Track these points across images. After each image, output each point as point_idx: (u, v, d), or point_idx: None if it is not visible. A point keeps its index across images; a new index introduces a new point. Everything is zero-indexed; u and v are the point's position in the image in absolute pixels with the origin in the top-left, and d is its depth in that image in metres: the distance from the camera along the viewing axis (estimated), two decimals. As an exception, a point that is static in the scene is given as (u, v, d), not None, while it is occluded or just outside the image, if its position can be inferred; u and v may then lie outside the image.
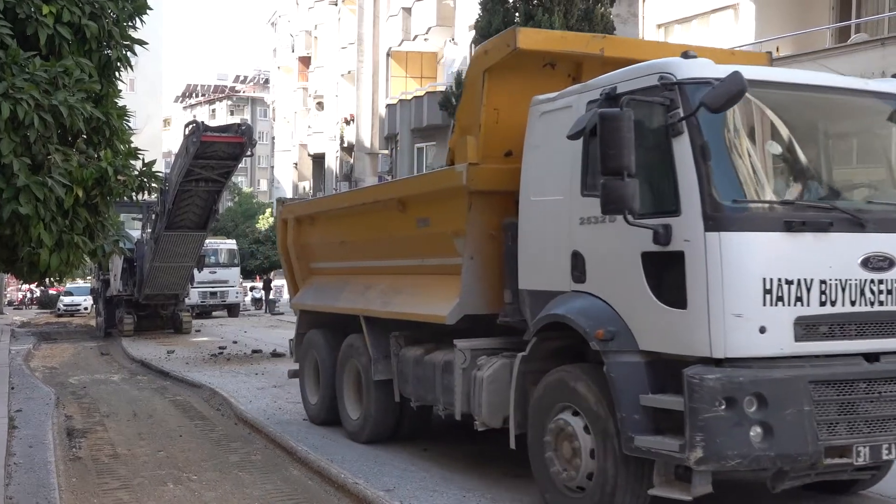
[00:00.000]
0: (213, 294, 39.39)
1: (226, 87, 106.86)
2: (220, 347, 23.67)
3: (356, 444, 10.89)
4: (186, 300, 35.79)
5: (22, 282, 13.55)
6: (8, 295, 39.90)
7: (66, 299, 48.13)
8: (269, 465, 10.52)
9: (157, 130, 78.00)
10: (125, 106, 8.56)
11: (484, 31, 24.46)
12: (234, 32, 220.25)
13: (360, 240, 11.18)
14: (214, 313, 40.72)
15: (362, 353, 10.64)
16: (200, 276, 35.94)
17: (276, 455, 10.96)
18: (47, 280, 8.32)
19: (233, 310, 41.07)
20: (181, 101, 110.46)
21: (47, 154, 6.99)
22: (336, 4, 47.59)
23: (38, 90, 6.69)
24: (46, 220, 7.01)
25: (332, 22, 48.84)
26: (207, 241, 38.64)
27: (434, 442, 10.85)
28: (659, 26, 23.43)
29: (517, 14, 24.14)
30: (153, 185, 8.47)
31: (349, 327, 11.19)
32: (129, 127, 8.53)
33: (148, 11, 8.67)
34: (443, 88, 30.54)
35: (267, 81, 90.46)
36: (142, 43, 8.38)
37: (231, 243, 42.98)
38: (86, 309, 45.40)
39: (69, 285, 54.99)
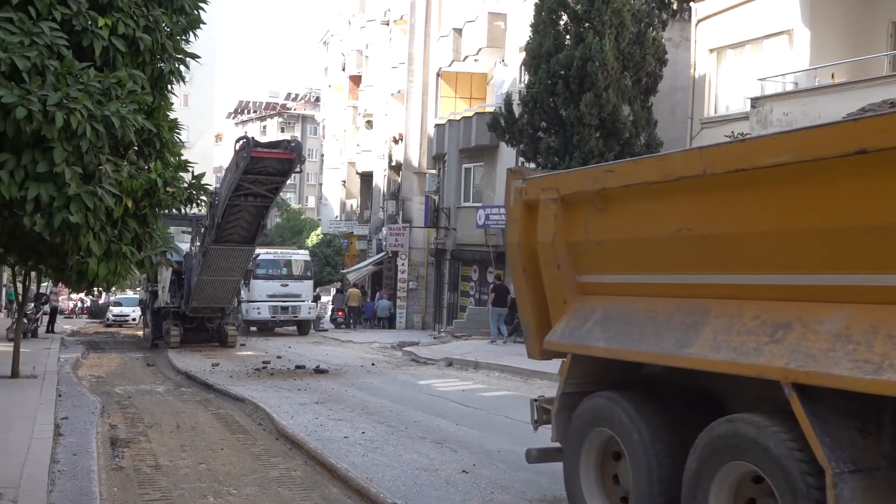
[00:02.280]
0: (284, 309, 35.61)
1: (277, 104, 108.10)
2: (263, 362, 23.74)
3: (396, 464, 10.79)
4: (256, 315, 34.94)
5: (71, 290, 13.70)
6: (59, 303, 39.98)
7: (115, 310, 48.89)
8: (308, 481, 10.45)
9: (208, 146, 79.07)
10: (176, 119, 8.62)
11: (535, 52, 24.50)
12: (286, 50, 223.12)
13: (768, 232, 5.78)
14: (278, 329, 37.23)
15: (797, 458, 5.24)
16: (271, 289, 34.67)
17: (317, 472, 10.89)
18: (95, 289, 8.34)
19: (303, 326, 36.79)
20: (233, 118, 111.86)
21: (98, 164, 7.03)
22: (388, 24, 47.88)
23: (91, 101, 6.73)
24: (96, 229, 7.05)
25: (384, 41, 49.14)
26: (278, 251, 38.44)
27: (478, 464, 10.74)
28: (711, 51, 23.20)
29: (568, 36, 24.13)
30: (202, 197, 8.49)
31: (716, 397, 6.52)
32: (179, 140, 8.57)
33: (201, 26, 8.72)
34: (492, 109, 30.52)
35: (318, 99, 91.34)
36: (195, 56, 8.44)
37: (304, 254, 39.61)
38: (134, 320, 45.95)
39: (118, 296, 55.91)
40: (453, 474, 10.25)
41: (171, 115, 8.64)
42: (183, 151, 8.76)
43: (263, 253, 35.76)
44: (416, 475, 10.21)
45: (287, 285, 35.55)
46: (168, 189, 7.65)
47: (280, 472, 10.96)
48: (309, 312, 36.62)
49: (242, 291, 34.58)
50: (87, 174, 6.95)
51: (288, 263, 36.35)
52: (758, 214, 5.84)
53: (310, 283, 37.07)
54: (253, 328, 36.11)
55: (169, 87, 8.26)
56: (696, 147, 6.77)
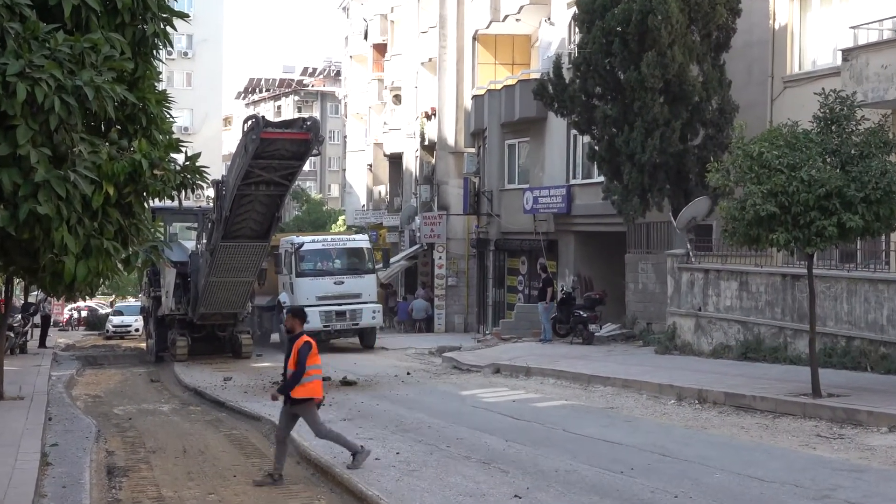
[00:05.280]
0: (341, 314, 30.60)
1: (292, 80, 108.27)
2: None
3: (436, 489, 10.53)
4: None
5: (52, 296, 13.49)
6: (53, 314, 39.77)
7: (116, 320, 48.96)
8: (334, 512, 10.24)
9: (216, 130, 79.36)
10: (165, 90, 8.37)
11: (587, 7, 24.07)
12: (301, 20, 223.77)
13: None
14: (334, 342, 32.13)
15: None
16: (321, 288, 30.50)
17: (344, 500, 10.70)
18: (77, 294, 8.12)
19: (367, 336, 31.91)
20: (243, 98, 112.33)
21: (71, 145, 6.78)
22: (415, -17, 47.67)
23: (60, 69, 6.48)
24: (71, 221, 6.80)
25: (411, 4, 48.86)
26: (328, 237, 35.45)
27: (533, 487, 10.44)
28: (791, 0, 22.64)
29: (624, -13, 23.63)
30: (199, 182, 8.21)
31: None
32: (169, 115, 8.31)
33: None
34: (538, 75, 30.09)
35: (338, 73, 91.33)
36: (183, 16, 8.18)
37: (362, 240, 34.42)
38: (137, 331, 46.01)
39: (119, 304, 56.11)
40: (504, 500, 10.00)
41: (160, 87, 8.39)
42: (187, 137, 8.51)
43: (309, 241, 32.21)
44: (459, 502, 9.95)
45: (343, 283, 31.09)
46: (156, 172, 7.37)
47: (302, 501, 10.79)
48: (373, 317, 31.67)
49: (285, 295, 31.67)
50: (57, 157, 6.70)
51: (343, 253, 32.23)
52: None
53: (372, 277, 32.36)
54: None
55: (154, 52, 7.99)
56: None
